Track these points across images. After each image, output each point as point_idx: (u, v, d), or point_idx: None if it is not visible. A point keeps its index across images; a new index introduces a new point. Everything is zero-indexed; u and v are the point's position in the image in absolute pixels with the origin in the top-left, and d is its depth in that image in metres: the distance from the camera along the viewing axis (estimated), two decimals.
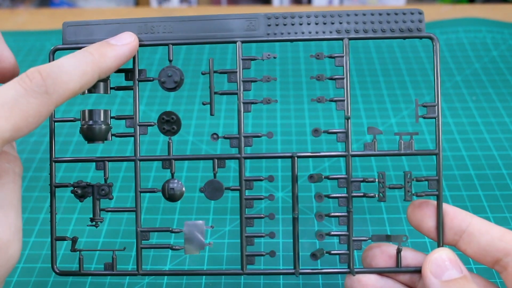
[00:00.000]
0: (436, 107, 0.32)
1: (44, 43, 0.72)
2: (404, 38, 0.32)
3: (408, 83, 0.61)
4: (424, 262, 0.30)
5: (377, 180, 0.32)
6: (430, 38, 0.32)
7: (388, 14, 0.32)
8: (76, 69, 0.29)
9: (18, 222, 0.28)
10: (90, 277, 0.39)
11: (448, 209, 0.31)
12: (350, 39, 0.32)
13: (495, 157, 0.50)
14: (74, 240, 0.34)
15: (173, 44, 0.33)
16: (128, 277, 0.39)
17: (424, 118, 0.32)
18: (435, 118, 0.32)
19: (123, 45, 0.31)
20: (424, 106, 0.32)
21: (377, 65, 0.65)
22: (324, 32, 0.32)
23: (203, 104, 0.33)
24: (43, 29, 0.77)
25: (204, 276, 0.39)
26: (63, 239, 0.33)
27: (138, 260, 0.33)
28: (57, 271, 0.34)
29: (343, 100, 0.32)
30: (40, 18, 0.82)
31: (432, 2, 1.81)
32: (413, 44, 0.69)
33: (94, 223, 0.33)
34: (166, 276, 0.39)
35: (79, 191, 0.33)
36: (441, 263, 0.29)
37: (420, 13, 0.32)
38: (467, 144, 0.51)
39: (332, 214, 0.32)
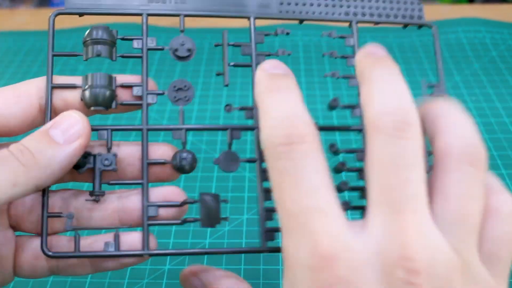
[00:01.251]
0: (441, 87, 0.35)
1: (44, 43, 0.72)
2: (407, 24, 0.34)
3: (407, 83, 0.61)
4: None
5: None
6: (429, 26, 0.34)
7: (390, 2, 0.34)
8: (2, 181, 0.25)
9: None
10: (89, 277, 0.39)
11: None
12: (358, 21, 0.34)
13: (494, 157, 0.50)
14: (69, 218, 0.29)
15: (185, 16, 0.32)
16: (127, 277, 0.39)
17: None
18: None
19: (70, 143, 0.27)
20: (431, 87, 0.34)
21: None
22: (333, 14, 0.34)
23: (217, 74, 0.32)
24: (43, 29, 0.76)
25: None
26: (57, 215, 0.29)
27: (144, 238, 0.30)
28: (49, 254, 0.29)
29: (354, 78, 0.33)
30: (40, 18, 0.82)
31: (432, 2, 1.82)
32: (413, 44, 0.69)
33: (93, 197, 0.30)
34: (165, 277, 0.39)
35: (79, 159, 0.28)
36: None
37: (419, 3, 0.34)
38: None
39: (354, 186, 0.32)
